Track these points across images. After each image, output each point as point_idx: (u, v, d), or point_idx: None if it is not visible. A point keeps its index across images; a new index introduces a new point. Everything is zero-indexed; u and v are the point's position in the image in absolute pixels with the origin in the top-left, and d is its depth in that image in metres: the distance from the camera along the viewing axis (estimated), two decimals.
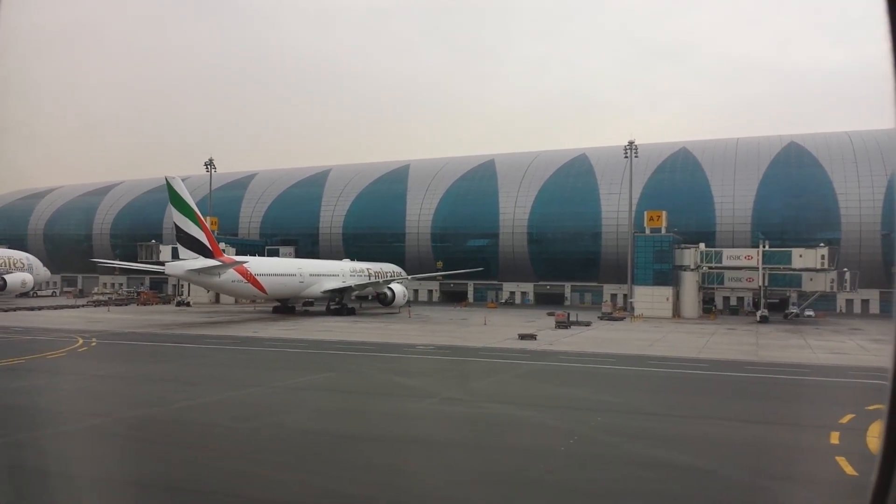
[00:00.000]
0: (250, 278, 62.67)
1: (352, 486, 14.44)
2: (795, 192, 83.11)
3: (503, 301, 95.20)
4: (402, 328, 55.76)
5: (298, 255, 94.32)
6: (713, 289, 74.93)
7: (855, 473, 14.37)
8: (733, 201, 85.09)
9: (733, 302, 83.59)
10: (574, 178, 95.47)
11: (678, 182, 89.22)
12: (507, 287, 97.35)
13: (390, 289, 73.44)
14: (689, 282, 71.30)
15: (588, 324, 59.15)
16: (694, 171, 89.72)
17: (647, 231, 73.37)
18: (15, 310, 69.94)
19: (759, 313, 66.58)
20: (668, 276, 71.06)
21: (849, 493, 13.62)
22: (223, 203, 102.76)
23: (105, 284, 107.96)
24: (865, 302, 79.53)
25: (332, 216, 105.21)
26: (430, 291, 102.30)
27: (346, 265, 77.84)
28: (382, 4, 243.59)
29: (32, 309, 71.42)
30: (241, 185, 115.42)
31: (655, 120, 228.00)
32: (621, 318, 67.66)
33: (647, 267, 71.63)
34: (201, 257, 58.33)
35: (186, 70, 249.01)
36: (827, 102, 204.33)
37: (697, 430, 20.12)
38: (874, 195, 78.99)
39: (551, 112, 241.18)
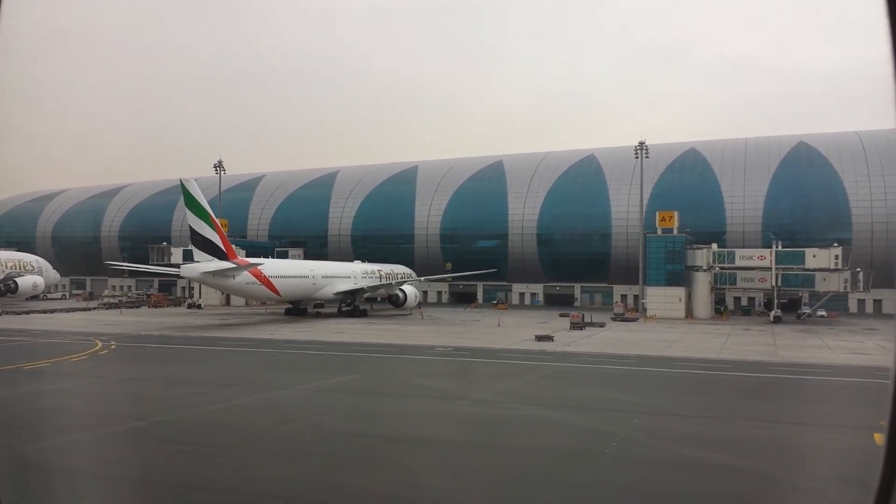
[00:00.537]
0: (264, 280, 62.68)
1: (400, 488, 14.48)
2: (806, 191, 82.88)
3: (511, 302, 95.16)
4: (416, 330, 55.80)
5: (307, 256, 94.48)
6: (724, 289, 74.85)
7: None
8: (743, 201, 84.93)
9: (744, 302, 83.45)
10: (583, 178, 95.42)
11: (688, 182, 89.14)
12: (517, 288, 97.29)
13: (402, 290, 73.41)
14: (702, 282, 71.23)
15: (602, 325, 59.18)
16: (703, 172, 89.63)
17: (659, 231, 73.35)
18: (28, 312, 70.12)
19: (772, 313, 66.49)
20: (680, 276, 71.01)
21: None
22: (232, 205, 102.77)
23: (114, 287, 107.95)
24: (878, 302, 79.29)
25: (341, 218, 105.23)
26: (440, 293, 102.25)
27: (358, 267, 77.81)
28: (382, 4, 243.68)
29: (45, 312, 71.52)
30: (248, 187, 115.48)
31: (655, 120, 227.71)
32: (634, 319, 67.60)
33: (659, 267, 71.59)
34: (216, 259, 58.38)
35: (187, 71, 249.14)
36: (827, 102, 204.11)
37: (742, 433, 20.02)
38: (886, 195, 78.83)
39: (551, 112, 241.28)
